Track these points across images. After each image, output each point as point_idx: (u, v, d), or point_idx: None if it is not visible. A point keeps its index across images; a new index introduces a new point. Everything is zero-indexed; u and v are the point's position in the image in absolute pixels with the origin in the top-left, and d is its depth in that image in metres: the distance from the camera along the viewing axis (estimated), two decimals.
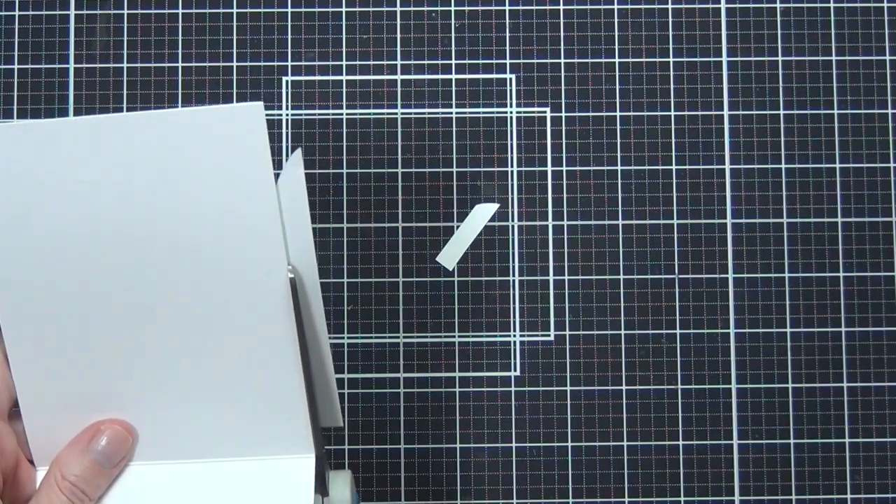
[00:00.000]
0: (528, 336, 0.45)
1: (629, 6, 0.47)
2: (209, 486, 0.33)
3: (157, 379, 0.33)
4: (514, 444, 0.45)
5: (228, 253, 0.31)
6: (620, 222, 0.46)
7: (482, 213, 0.46)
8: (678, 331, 0.45)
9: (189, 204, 0.31)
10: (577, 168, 0.46)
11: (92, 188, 0.31)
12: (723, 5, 0.47)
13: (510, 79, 0.46)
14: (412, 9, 0.46)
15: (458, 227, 0.46)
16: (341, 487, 0.34)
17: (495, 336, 0.45)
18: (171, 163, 0.31)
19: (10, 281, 0.32)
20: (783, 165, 0.46)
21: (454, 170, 0.46)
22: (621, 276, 0.46)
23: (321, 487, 0.33)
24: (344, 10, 0.46)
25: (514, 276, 0.46)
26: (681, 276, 0.46)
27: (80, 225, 0.31)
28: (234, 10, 0.46)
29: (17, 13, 0.46)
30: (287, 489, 0.33)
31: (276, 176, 0.31)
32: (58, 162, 0.31)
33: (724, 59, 0.47)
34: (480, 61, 0.46)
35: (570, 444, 0.45)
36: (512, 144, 0.46)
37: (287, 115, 0.46)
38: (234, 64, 0.46)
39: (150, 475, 0.33)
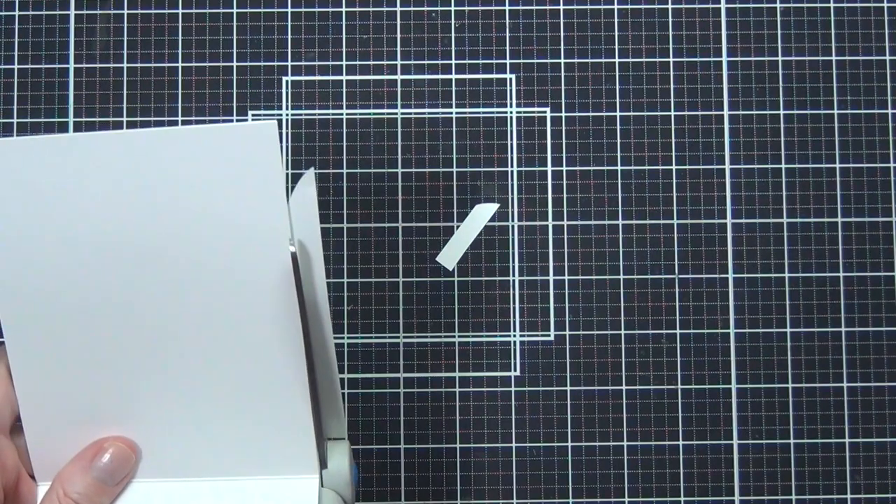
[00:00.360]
0: (528, 336, 0.45)
1: (629, 6, 0.47)
2: None
3: (162, 396, 0.33)
4: (514, 444, 0.45)
5: (237, 270, 0.31)
6: (620, 222, 0.46)
7: (482, 213, 0.46)
8: (678, 331, 0.45)
9: (199, 221, 0.31)
10: (577, 168, 0.46)
11: (99, 204, 0.31)
12: (723, 5, 0.47)
13: (510, 79, 0.46)
14: (412, 9, 0.46)
15: (458, 227, 0.46)
16: (339, 458, 0.34)
17: (495, 336, 0.45)
18: (182, 179, 0.30)
19: (15, 295, 0.32)
20: (783, 165, 0.46)
21: (454, 170, 0.46)
22: (621, 276, 0.46)
23: (320, 459, 0.33)
24: (344, 10, 0.46)
25: (514, 276, 0.46)
26: (681, 276, 0.46)
27: (86, 240, 0.31)
28: (234, 10, 0.46)
29: (17, 13, 0.46)
30: None
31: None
32: (67, 177, 0.30)
33: (724, 59, 0.47)
34: (480, 61, 0.46)
35: (570, 444, 0.45)
36: (512, 144, 0.46)
37: (287, 115, 0.46)
38: (234, 64, 0.46)
39: (152, 493, 0.33)
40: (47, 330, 0.32)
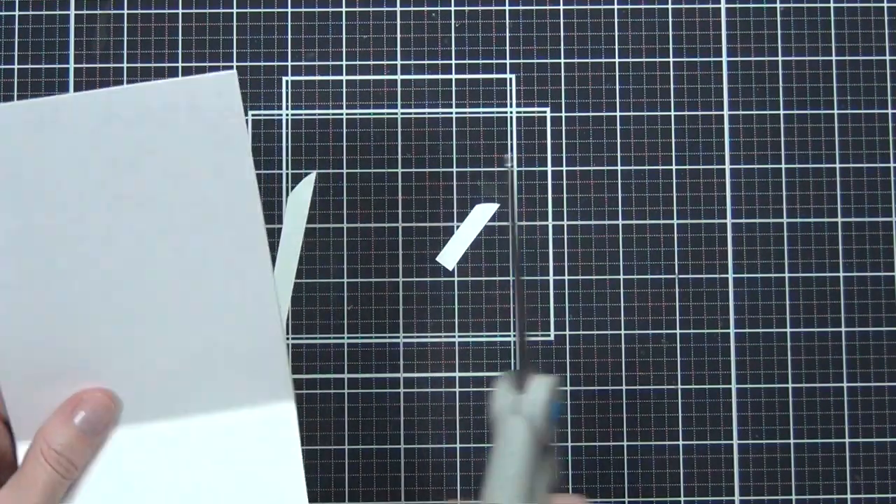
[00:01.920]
0: (529, 336, 0.45)
1: (629, 6, 0.47)
2: (195, 446, 0.33)
3: (134, 341, 0.33)
4: None
5: (203, 219, 0.32)
6: (620, 222, 0.46)
7: (482, 213, 0.46)
8: (678, 331, 0.45)
9: (165, 173, 0.31)
10: (577, 168, 0.46)
11: (70, 160, 0.31)
12: (723, 5, 0.47)
13: (510, 79, 0.46)
14: (412, 9, 0.46)
15: (458, 227, 0.46)
16: (538, 389, 0.34)
17: (495, 336, 0.45)
18: (146, 134, 0.31)
19: None
20: (783, 165, 0.46)
21: (454, 170, 0.46)
22: (621, 276, 0.46)
23: (517, 384, 0.33)
24: (344, 10, 0.46)
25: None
26: (681, 276, 0.46)
27: (56, 196, 0.31)
28: (234, 10, 0.46)
29: (17, 13, 0.46)
30: (273, 439, 0.33)
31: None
32: (39, 137, 0.31)
33: (724, 59, 0.47)
34: (480, 61, 0.46)
35: (569, 444, 0.45)
36: (512, 144, 0.46)
37: (287, 115, 0.46)
38: (234, 64, 0.46)
39: (135, 441, 0.34)
40: (15, 285, 0.32)
